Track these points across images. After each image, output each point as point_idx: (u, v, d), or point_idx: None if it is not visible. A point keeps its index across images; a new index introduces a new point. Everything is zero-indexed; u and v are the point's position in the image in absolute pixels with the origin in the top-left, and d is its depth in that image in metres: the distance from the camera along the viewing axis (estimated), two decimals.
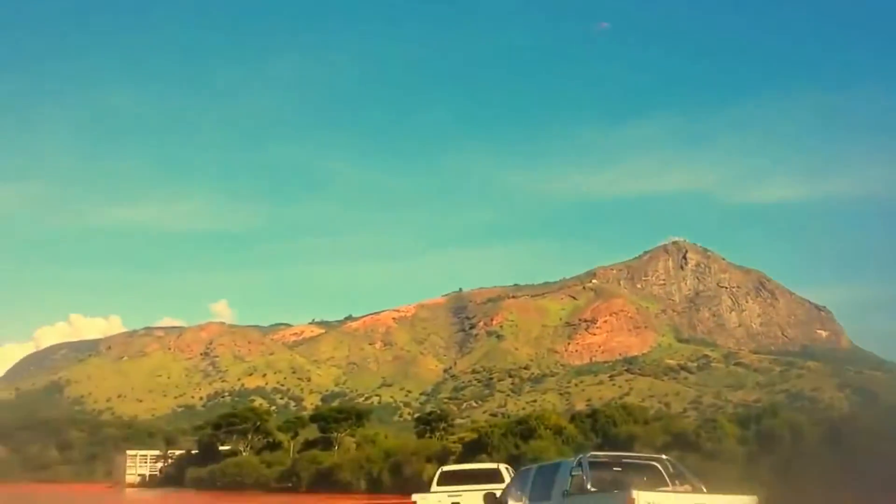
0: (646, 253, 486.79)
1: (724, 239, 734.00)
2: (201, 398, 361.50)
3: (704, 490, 10.49)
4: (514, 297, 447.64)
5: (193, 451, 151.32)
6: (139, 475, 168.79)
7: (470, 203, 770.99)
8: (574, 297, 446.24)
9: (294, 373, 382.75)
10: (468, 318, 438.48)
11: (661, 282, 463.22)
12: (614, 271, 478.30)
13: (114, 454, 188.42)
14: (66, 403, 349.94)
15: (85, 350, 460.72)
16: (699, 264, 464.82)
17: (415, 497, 15.86)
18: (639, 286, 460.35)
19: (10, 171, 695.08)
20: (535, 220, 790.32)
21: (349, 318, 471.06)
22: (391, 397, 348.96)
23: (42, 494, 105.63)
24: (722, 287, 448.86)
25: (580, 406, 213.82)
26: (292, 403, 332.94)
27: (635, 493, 9.22)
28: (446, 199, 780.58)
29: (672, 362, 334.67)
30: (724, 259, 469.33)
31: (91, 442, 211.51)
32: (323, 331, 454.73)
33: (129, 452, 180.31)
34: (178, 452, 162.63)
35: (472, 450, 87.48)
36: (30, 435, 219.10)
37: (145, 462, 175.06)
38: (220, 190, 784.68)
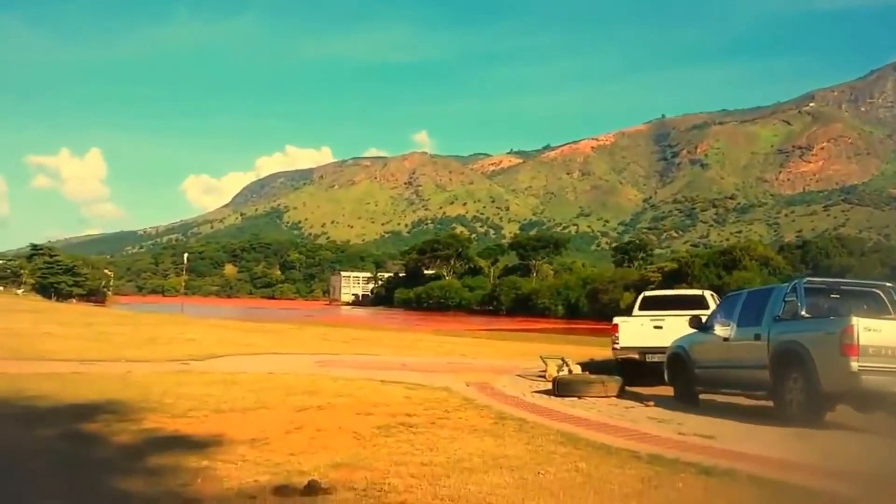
0: (872, 72, 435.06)
1: None
2: (406, 225, 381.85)
3: None
4: (721, 123, 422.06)
5: (401, 274, 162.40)
6: (353, 294, 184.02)
7: (677, 19, 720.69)
8: (788, 123, 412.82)
9: (493, 202, 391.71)
10: (670, 146, 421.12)
11: (889, 104, 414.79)
12: (835, 93, 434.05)
13: (330, 275, 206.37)
14: (285, 228, 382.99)
15: (300, 179, 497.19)
16: None
17: (616, 320, 16.11)
18: (863, 109, 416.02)
19: (227, 6, 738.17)
20: (747, 37, 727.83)
21: (547, 147, 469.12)
22: (588, 227, 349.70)
23: (270, 308, 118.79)
24: None
25: (789, 237, 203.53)
26: (491, 232, 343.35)
27: (854, 320, 8.96)
28: (651, 16, 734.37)
29: (895, 191, 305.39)
30: None
31: (309, 264, 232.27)
32: (521, 161, 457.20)
33: (343, 273, 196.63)
34: (386, 275, 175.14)
35: (672, 279, 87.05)
36: (256, 256, 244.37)
37: (358, 283, 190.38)
38: (421, 19, 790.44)
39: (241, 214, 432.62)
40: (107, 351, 19.43)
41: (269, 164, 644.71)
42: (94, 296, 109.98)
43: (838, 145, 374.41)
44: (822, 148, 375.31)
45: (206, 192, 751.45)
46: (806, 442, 8.31)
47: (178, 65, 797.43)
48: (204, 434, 7.85)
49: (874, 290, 11.00)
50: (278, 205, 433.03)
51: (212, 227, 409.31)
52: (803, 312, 10.07)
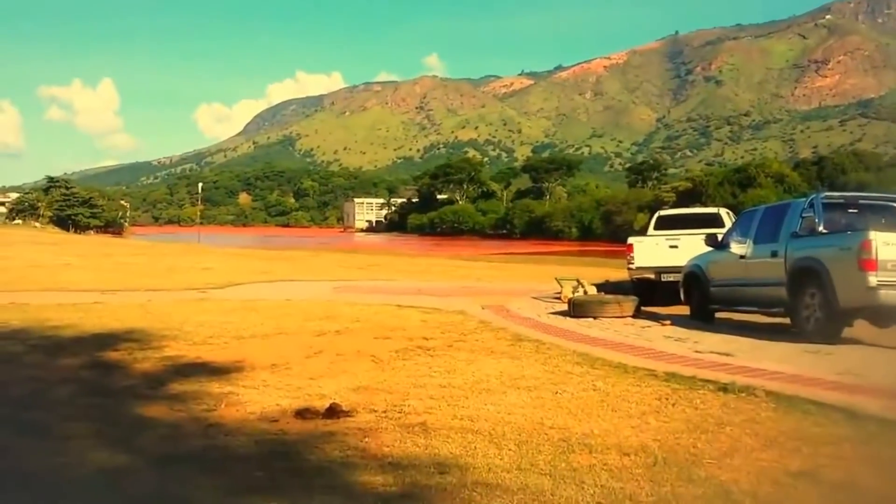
0: None
1: None
2: (418, 150, 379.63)
3: None
4: (735, 38, 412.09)
5: (414, 200, 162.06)
6: (367, 221, 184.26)
7: None
8: (803, 36, 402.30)
9: (505, 125, 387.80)
10: (684, 63, 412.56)
11: None
12: (852, 5, 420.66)
13: (343, 202, 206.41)
14: (298, 156, 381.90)
15: (311, 105, 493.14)
16: None
17: (631, 240, 16.02)
18: (880, 21, 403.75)
19: None
20: None
21: (559, 67, 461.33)
22: (602, 148, 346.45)
23: (286, 236, 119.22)
24: None
25: (805, 154, 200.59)
26: (504, 155, 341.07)
27: (872, 234, 8.87)
28: None
29: None
30: None
31: (322, 191, 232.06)
32: (532, 82, 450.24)
33: (356, 200, 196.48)
34: (399, 201, 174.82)
35: (687, 199, 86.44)
36: (269, 184, 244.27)
37: (371, 209, 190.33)
38: None
39: (254, 143, 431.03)
40: (126, 281, 19.67)
41: (281, 91, 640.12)
42: (112, 227, 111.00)
43: (855, 58, 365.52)
44: (839, 62, 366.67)
45: (219, 121, 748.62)
46: (822, 357, 8.34)
47: None
48: (225, 360, 7.96)
49: (892, 203, 10.84)
50: (290, 132, 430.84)
51: (225, 156, 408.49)
52: (821, 228, 9.96)
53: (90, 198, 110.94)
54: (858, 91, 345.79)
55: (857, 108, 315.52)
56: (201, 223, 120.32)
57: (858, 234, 9.23)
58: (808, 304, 9.69)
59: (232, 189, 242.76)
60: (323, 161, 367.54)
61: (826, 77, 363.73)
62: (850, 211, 10.88)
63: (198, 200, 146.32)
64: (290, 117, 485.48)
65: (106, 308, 12.80)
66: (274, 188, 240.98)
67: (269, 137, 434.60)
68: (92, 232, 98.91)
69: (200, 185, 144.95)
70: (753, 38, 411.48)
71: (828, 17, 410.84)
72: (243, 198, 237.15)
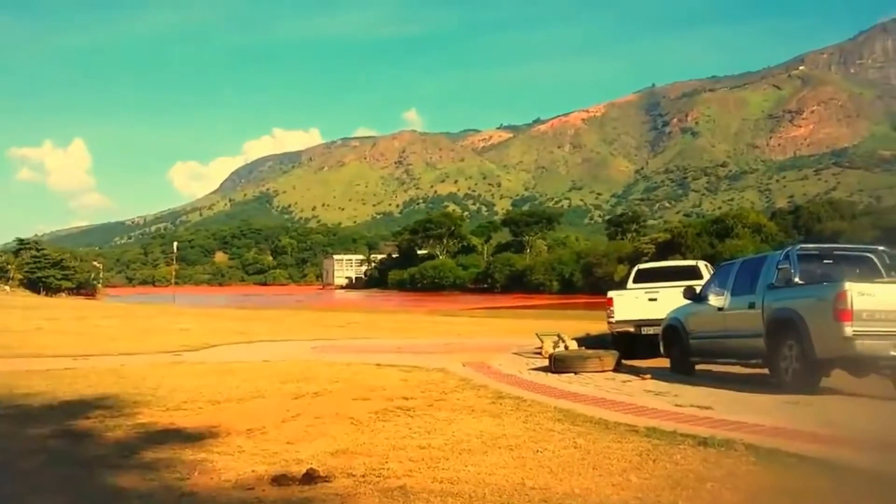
0: (861, 33, 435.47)
1: None
2: (397, 205, 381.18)
3: None
4: (711, 90, 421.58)
5: (394, 256, 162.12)
6: (346, 278, 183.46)
7: None
8: (778, 87, 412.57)
9: (484, 178, 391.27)
10: (661, 115, 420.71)
11: (879, 64, 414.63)
12: (825, 56, 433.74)
13: (322, 259, 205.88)
14: (275, 213, 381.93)
15: (288, 162, 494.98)
16: None
17: (611, 294, 16.15)
18: (853, 71, 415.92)
19: None
20: (736, 2, 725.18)
21: (537, 120, 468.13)
22: (581, 200, 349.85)
23: (264, 295, 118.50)
24: None
25: (781, 203, 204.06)
26: (484, 209, 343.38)
27: (847, 285, 8.97)
28: None
29: (887, 153, 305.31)
30: None
31: (301, 248, 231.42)
32: (511, 135, 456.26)
33: (336, 257, 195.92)
34: (379, 257, 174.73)
35: (665, 250, 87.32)
36: (246, 242, 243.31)
37: (351, 266, 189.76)
38: None
39: (230, 200, 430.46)
40: (99, 345, 19.38)
41: (257, 148, 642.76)
42: (84, 289, 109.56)
43: (829, 108, 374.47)
44: (813, 111, 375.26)
45: (194, 179, 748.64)
46: (801, 409, 8.34)
47: (161, 49, 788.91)
48: (199, 426, 7.81)
49: (866, 254, 11.03)
50: (267, 189, 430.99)
51: (201, 215, 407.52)
52: (797, 279, 10.08)
53: (61, 259, 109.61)
54: (832, 140, 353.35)
55: (831, 158, 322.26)
56: (176, 283, 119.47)
57: (834, 284, 9.34)
58: (785, 356, 9.76)
59: (208, 248, 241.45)
60: (301, 218, 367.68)
61: (800, 127, 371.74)
62: (826, 262, 11.08)
63: (173, 260, 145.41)
64: (266, 174, 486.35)
65: (78, 374, 12.58)
66: (251, 246, 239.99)
67: (245, 195, 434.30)
68: (64, 294, 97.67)
69: (175, 244, 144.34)
70: (729, 89, 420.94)
71: (801, 67, 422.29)
72: (219, 256, 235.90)
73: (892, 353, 8.83)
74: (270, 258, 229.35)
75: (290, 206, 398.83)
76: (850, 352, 8.94)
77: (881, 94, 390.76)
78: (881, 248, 11.17)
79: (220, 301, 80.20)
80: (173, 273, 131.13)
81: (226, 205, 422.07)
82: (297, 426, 7.83)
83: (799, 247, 10.98)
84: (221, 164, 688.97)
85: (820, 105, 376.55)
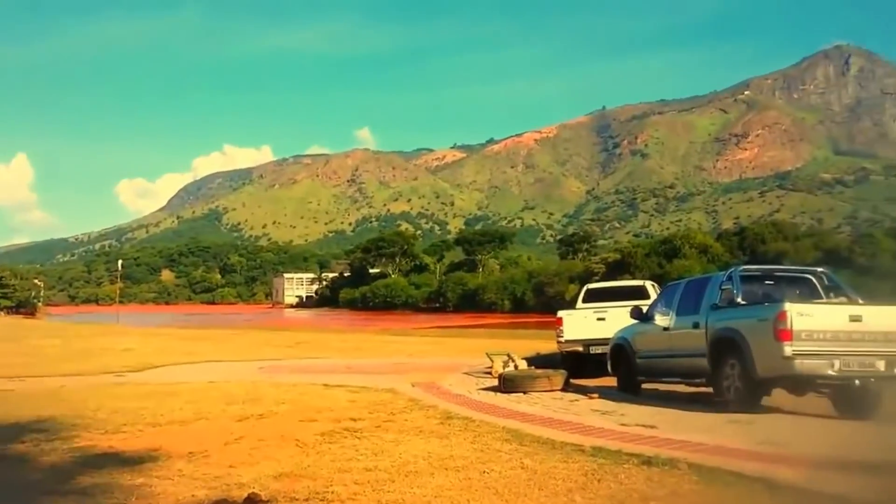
0: (804, 60, 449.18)
1: (892, 40, 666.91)
2: (350, 224, 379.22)
3: (861, 302, 10.22)
4: (660, 113, 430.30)
5: (345, 274, 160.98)
6: (296, 296, 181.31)
7: (614, 9, 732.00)
8: (724, 111, 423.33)
9: (437, 197, 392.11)
10: (611, 136, 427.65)
11: (821, 90, 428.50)
12: (769, 81, 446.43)
13: (272, 277, 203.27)
14: (224, 230, 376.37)
15: (239, 179, 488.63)
16: (862, 69, 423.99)
17: (560, 314, 16.28)
18: (795, 96, 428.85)
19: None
20: (684, 27, 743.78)
21: (490, 141, 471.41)
22: (533, 220, 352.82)
23: (211, 314, 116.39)
24: (887, 93, 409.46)
25: (727, 224, 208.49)
26: (437, 227, 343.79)
27: (787, 306, 9.18)
28: (590, 6, 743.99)
29: (827, 176, 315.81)
30: (889, 63, 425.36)
31: (250, 266, 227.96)
32: (464, 155, 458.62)
33: (286, 276, 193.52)
34: (331, 275, 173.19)
35: (615, 270, 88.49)
36: (194, 260, 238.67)
37: (301, 284, 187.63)
38: (362, 11, 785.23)
39: (178, 217, 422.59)
40: (38, 366, 18.83)
41: (207, 165, 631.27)
42: (24, 308, 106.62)
43: (773, 132, 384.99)
44: (758, 135, 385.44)
45: (141, 196, 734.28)
46: (743, 427, 8.49)
47: (108, 62, 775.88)
48: (139, 450, 7.62)
49: (806, 275, 11.33)
50: (217, 206, 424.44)
51: (147, 232, 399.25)
52: (739, 300, 10.27)
53: (0, 277, 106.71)
54: (776, 163, 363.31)
55: (775, 180, 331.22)
56: (121, 302, 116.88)
57: (774, 305, 9.54)
58: (728, 375, 9.92)
59: (154, 266, 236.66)
60: (251, 236, 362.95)
61: (746, 150, 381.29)
62: (767, 283, 11.35)
63: (117, 278, 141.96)
64: (216, 191, 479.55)
65: (14, 396, 12.20)
66: (199, 264, 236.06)
67: (194, 212, 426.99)
68: (2, 313, 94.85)
69: (120, 262, 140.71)
70: (677, 112, 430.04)
71: (746, 92, 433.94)
72: (166, 275, 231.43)
73: (830, 371, 9.04)
74: (219, 276, 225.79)
75: (239, 223, 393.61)
76: (790, 371, 9.12)
77: (822, 119, 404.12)
78: (820, 269, 11.50)
79: (165, 320, 78.46)
80: (118, 291, 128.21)
81: (173, 222, 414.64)
82: (241, 449, 7.69)
83: (741, 268, 11.23)
84: (170, 180, 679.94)
85: (764, 129, 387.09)
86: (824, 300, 10.57)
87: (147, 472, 6.62)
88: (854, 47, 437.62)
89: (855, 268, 71.72)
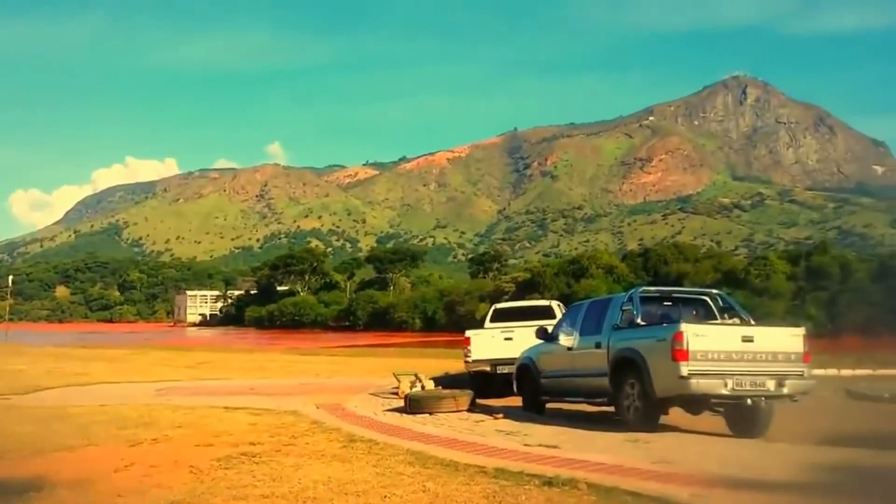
0: (705, 88, 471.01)
1: (786, 72, 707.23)
2: (258, 240, 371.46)
3: (753, 323, 10.65)
4: (569, 135, 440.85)
5: (252, 292, 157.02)
6: (200, 315, 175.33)
7: (527, 33, 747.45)
8: (630, 136, 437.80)
9: (349, 215, 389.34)
10: (522, 158, 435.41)
11: (720, 118, 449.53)
12: (672, 108, 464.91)
13: (174, 295, 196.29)
14: (125, 245, 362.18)
15: (141, 192, 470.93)
16: (758, 99, 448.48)
17: (468, 333, 16.33)
18: (696, 123, 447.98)
19: (68, 4, 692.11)
20: (593, 56, 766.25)
21: (403, 159, 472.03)
22: (445, 238, 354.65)
23: (109, 332, 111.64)
24: (780, 123, 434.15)
25: (632, 245, 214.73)
26: (348, 245, 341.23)
27: (684, 326, 9.44)
28: (503, 30, 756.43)
29: (726, 200, 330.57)
30: (783, 94, 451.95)
31: (151, 283, 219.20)
32: (377, 172, 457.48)
33: (189, 293, 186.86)
34: (237, 293, 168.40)
35: (525, 289, 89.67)
36: (91, 276, 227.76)
37: (205, 302, 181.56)
38: (274, 25, 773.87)
39: (75, 232, 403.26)
40: None
41: (108, 177, 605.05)
42: None
43: (675, 157, 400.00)
44: (661, 160, 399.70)
45: (36, 208, 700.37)
46: (641, 446, 8.67)
47: (1, 66, 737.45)
48: (20, 478, 7.21)
49: (702, 296, 11.74)
50: (117, 220, 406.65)
51: (42, 246, 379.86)
52: (639, 320, 10.52)
53: None
54: (678, 187, 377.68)
55: (677, 203, 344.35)
56: (10, 319, 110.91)
57: (672, 326, 9.81)
58: (628, 394, 10.14)
59: (48, 282, 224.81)
60: (153, 251, 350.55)
61: (650, 174, 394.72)
62: (666, 304, 11.67)
63: (7, 294, 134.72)
64: (117, 204, 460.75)
65: None
66: (96, 280, 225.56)
67: (92, 226, 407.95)
68: None
69: (10, 277, 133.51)
70: (585, 135, 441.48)
71: (651, 118, 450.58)
72: (61, 291, 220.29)
73: (723, 391, 9.35)
74: (118, 293, 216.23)
75: (141, 238, 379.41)
76: (686, 390, 9.38)
77: (721, 145, 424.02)
78: (715, 291, 11.95)
79: (59, 339, 74.65)
80: (7, 308, 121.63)
81: (70, 236, 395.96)
82: (131, 476, 7.36)
83: (641, 289, 11.53)
84: (67, 192, 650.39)
85: (667, 154, 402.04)
86: (719, 321, 10.97)
87: (28, 502, 6.26)
88: (750, 78, 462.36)
89: (751, 288, 74.98)
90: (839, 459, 7.95)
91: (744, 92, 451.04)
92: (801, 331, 10.11)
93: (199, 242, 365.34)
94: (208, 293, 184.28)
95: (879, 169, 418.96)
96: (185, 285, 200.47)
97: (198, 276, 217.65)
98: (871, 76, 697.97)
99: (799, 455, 8.18)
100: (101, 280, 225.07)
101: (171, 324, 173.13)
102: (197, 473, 7.43)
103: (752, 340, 9.65)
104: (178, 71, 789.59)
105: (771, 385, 9.52)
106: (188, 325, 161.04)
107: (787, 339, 9.97)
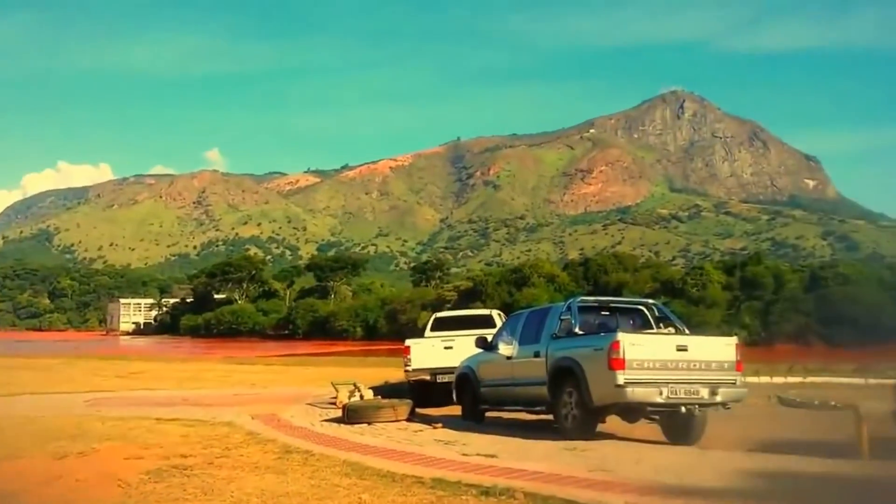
0: (644, 102, 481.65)
1: (721, 88, 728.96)
2: (195, 247, 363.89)
3: (687, 332, 10.84)
4: (511, 146, 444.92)
5: (188, 300, 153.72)
6: (133, 323, 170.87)
7: (471, 43, 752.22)
8: (571, 147, 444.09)
9: (289, 222, 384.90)
10: (465, 167, 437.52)
11: (658, 132, 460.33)
12: (612, 121, 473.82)
13: (107, 303, 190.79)
14: (55, 252, 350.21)
15: (73, 198, 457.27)
16: (695, 114, 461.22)
17: (408, 342, 16.25)
18: (636, 136, 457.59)
19: None
20: (535, 68, 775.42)
21: (345, 167, 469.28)
22: (387, 247, 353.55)
23: (37, 341, 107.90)
24: (716, 137, 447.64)
25: (573, 255, 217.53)
26: (288, 253, 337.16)
27: (621, 336, 9.56)
28: (448, 39, 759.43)
29: (664, 212, 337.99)
30: (719, 109, 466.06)
31: (83, 291, 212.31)
32: (318, 180, 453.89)
33: (122, 301, 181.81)
34: (172, 301, 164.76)
35: (467, 298, 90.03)
36: (20, 284, 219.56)
37: (139, 310, 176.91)
38: (214, 30, 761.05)
39: (3, 238, 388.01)
40: None
41: (38, 182, 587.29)
42: None
43: (615, 169, 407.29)
44: (601, 171, 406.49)
45: None
46: (578, 454, 8.73)
47: None
48: None
49: (639, 306, 11.91)
50: (47, 226, 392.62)
51: None
52: (577, 329, 10.61)
53: None
54: (618, 198, 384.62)
55: (617, 214, 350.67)
56: None
57: (609, 335, 9.92)
58: (566, 402, 10.21)
59: None
60: (85, 258, 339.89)
61: (590, 185, 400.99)
62: (604, 313, 11.80)
63: None
64: (47, 210, 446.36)
65: None
66: (25, 288, 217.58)
67: (21, 232, 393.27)
68: None
69: None
70: (528, 146, 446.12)
71: (591, 130, 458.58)
72: None
73: (659, 399, 9.49)
74: (47, 301, 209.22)
75: (72, 245, 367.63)
76: (622, 398, 9.50)
77: (659, 158, 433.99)
78: (651, 301, 12.15)
79: None
80: None
81: None
82: (56, 491, 7.10)
83: (580, 299, 11.63)
84: None
85: (607, 166, 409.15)
86: (654, 331, 11.14)
87: None
88: (688, 93, 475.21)
89: (687, 297, 76.72)
90: (771, 466, 8.13)
91: (681, 106, 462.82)
92: (733, 340, 10.35)
93: (134, 249, 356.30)
94: (142, 301, 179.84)
95: (811, 182, 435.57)
96: (118, 293, 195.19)
97: (132, 283, 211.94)
98: (804, 93, 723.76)
99: (732, 462, 8.33)
100: (31, 287, 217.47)
101: (104, 332, 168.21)
102: (125, 487, 7.20)
103: (686, 350, 9.82)
104: (114, 74, 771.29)
105: (705, 393, 9.70)
106: (121, 334, 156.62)
107: (720, 349, 10.18)
